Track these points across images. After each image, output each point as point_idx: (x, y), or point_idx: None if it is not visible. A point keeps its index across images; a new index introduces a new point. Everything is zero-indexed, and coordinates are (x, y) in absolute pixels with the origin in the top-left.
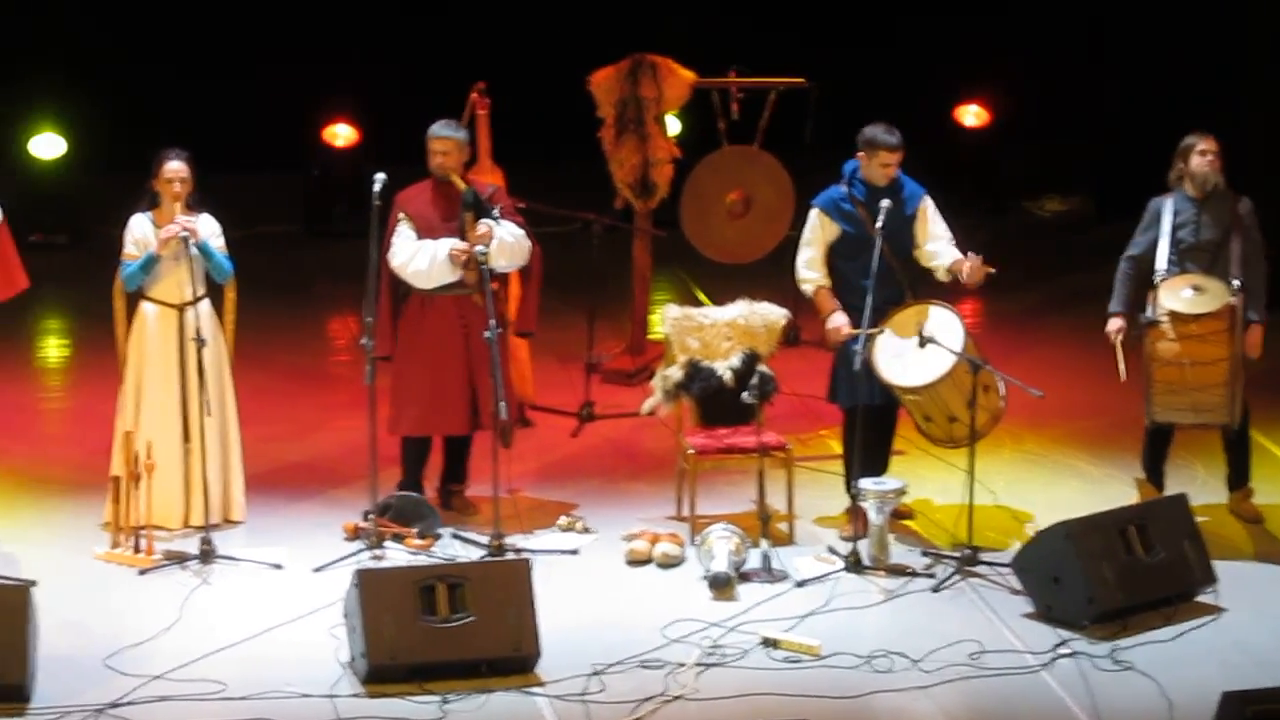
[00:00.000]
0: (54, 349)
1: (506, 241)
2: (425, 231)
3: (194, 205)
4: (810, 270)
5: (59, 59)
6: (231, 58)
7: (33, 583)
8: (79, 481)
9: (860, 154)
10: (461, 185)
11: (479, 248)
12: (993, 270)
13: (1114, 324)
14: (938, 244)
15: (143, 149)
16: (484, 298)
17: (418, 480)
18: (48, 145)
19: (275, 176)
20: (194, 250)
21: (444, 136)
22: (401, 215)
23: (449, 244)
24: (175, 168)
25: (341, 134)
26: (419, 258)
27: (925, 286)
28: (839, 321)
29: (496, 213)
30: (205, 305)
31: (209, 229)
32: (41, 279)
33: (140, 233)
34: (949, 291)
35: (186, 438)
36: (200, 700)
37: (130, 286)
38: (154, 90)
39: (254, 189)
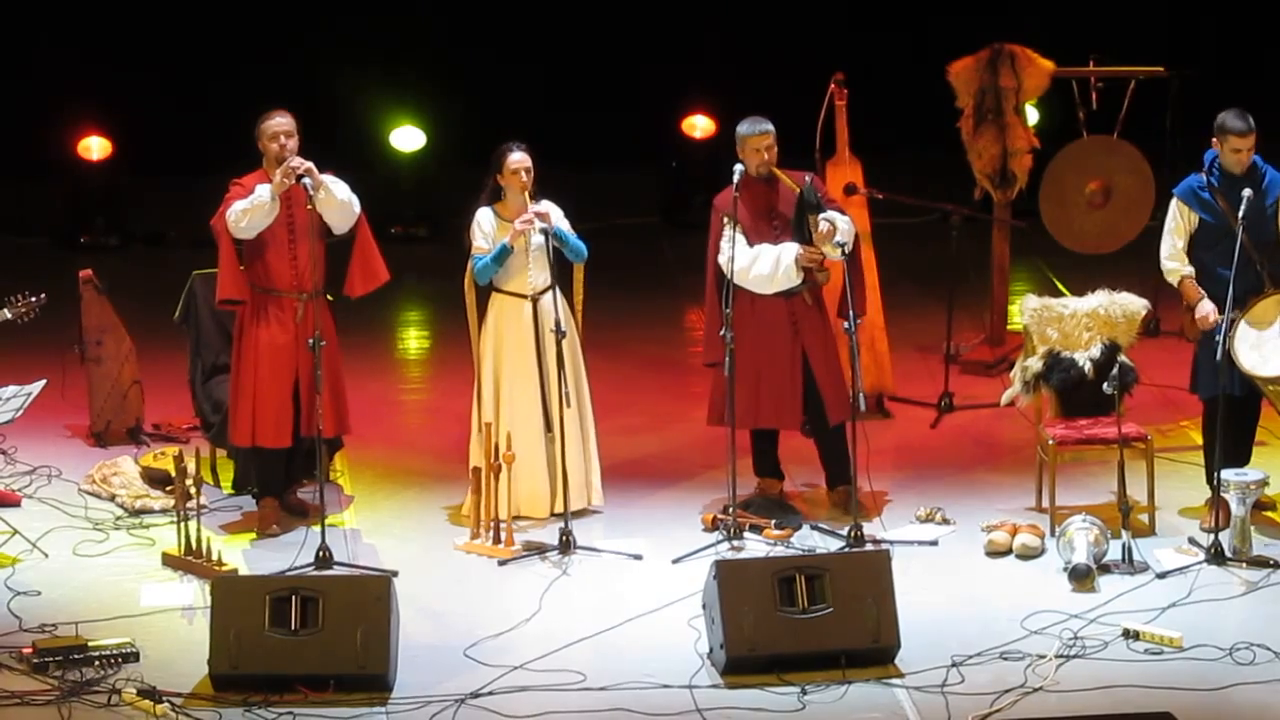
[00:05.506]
0: (414, 341)
1: (845, 229)
2: (752, 234)
3: (534, 195)
4: (1174, 261)
5: (418, 53)
6: (591, 52)
7: (394, 573)
8: (438, 473)
9: (1214, 140)
10: (789, 181)
11: (839, 239)
12: None
13: None
14: None
15: (502, 142)
16: (837, 293)
17: (769, 470)
18: (408, 138)
19: (633, 169)
20: (539, 238)
21: (766, 131)
22: (726, 220)
23: (793, 249)
24: (520, 159)
25: (699, 126)
26: (761, 263)
27: None
28: (1207, 308)
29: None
30: (556, 294)
31: (555, 214)
32: (401, 271)
33: (488, 226)
34: None
35: (548, 428)
36: (560, 690)
37: (482, 280)
38: (512, 84)
39: (611, 181)
